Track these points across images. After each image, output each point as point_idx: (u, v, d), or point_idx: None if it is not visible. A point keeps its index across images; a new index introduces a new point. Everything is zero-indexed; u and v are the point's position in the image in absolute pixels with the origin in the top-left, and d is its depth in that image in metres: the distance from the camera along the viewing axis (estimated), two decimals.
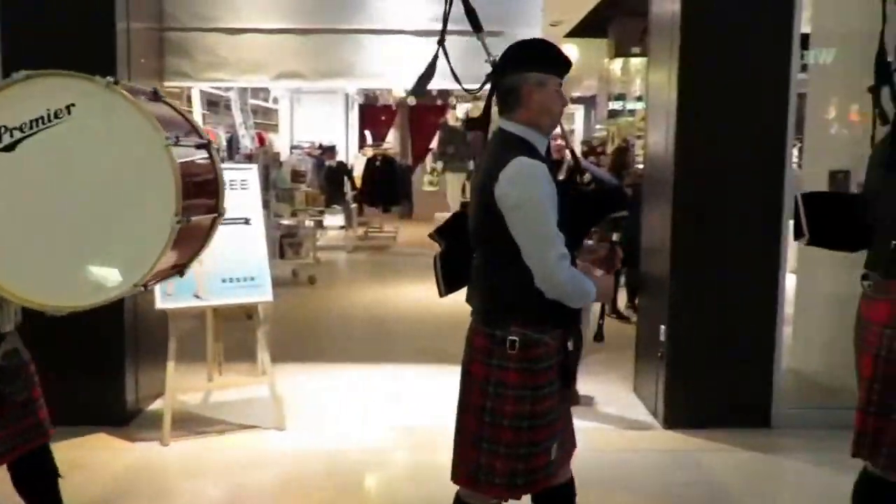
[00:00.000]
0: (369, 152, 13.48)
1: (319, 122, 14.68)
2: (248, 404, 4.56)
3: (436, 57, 2.61)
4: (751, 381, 4.30)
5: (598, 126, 12.51)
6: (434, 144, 13.08)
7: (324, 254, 10.75)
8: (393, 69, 5.13)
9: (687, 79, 4.15)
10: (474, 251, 2.34)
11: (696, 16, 4.13)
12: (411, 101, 11.72)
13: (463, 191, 10.42)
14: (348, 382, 5.19)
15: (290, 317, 6.94)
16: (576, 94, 17.28)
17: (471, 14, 2.55)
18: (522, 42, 2.31)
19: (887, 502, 2.50)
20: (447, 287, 2.51)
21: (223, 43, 5.08)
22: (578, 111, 19.54)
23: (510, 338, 2.20)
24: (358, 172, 13.06)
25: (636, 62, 11.35)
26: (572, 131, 4.64)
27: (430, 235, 2.52)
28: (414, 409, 4.69)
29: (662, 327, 4.32)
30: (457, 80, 2.56)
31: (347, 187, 12.02)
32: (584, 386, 4.67)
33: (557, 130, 4.57)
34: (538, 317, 2.21)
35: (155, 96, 2.57)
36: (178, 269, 2.65)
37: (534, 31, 4.97)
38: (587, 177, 2.41)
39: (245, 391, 4.71)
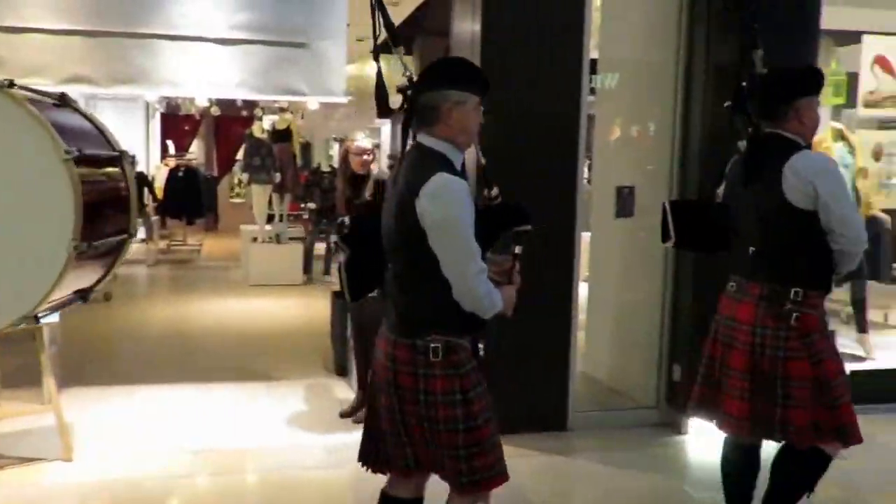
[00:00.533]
0: (172, 163, 12.89)
1: (118, 130, 13.77)
2: (31, 435, 4.19)
3: (379, 71, 2.63)
4: (548, 387, 4.50)
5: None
6: (240, 156, 12.72)
7: (121, 268, 10.12)
8: (192, 77, 4.93)
9: (485, 99, 4.27)
10: (387, 262, 2.37)
11: (495, 38, 4.26)
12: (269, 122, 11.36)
13: (269, 202, 10.21)
14: (146, 406, 4.91)
15: (82, 337, 6.47)
16: None
17: (390, 29, 2.58)
18: (444, 60, 2.39)
19: (800, 461, 2.91)
20: (353, 294, 2.51)
21: (2, 42, 4.67)
22: (385, 126, 19.72)
23: (432, 345, 2.26)
24: (160, 183, 12.44)
25: None
26: (378, 146, 4.67)
27: (335, 242, 2.56)
28: (218, 431, 4.51)
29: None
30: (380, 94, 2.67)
31: (148, 199, 11.40)
32: None
33: (366, 145, 4.62)
34: (455, 325, 2.28)
35: (62, 102, 2.24)
36: (82, 294, 2.35)
37: (339, 46, 4.97)
38: (494, 191, 2.48)
39: (27, 421, 4.31)
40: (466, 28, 4.49)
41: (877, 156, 5.58)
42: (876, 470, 4.17)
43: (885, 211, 5.59)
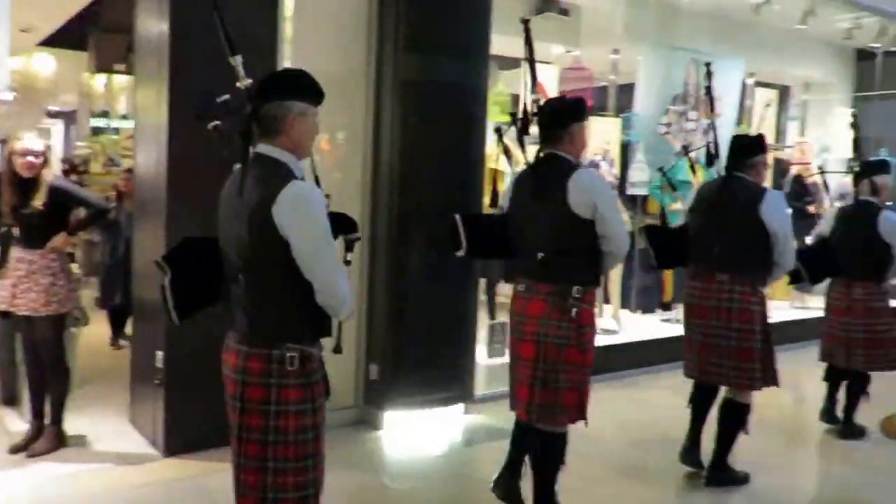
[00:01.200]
0: None
1: None
2: None
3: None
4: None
5: (79, 143, 11.64)
6: None
7: None
8: None
9: (176, 99, 4.11)
10: (232, 276, 2.34)
11: (183, 42, 4.10)
12: None
13: None
14: None
15: None
16: (53, 108, 15.85)
17: (228, 36, 2.55)
18: (286, 71, 2.49)
19: (546, 444, 3.29)
20: (180, 314, 2.41)
21: None
22: (57, 126, 17.96)
23: (289, 355, 2.28)
24: None
25: (121, 79, 10.87)
26: (49, 147, 4.24)
27: (156, 262, 2.39)
28: None
29: (159, 353, 4.22)
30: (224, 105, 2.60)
31: None
32: (72, 424, 4.32)
33: (35, 146, 4.17)
34: (308, 333, 2.32)
35: None
36: None
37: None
38: (327, 201, 2.44)
39: None
40: (152, 28, 4.29)
41: (513, 161, 6.32)
42: None
43: None
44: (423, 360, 4.84)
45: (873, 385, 5.01)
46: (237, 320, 2.37)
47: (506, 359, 5.45)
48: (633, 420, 5.15)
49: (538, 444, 3.34)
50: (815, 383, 5.20)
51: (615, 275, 6.68)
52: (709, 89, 4.54)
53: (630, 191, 6.88)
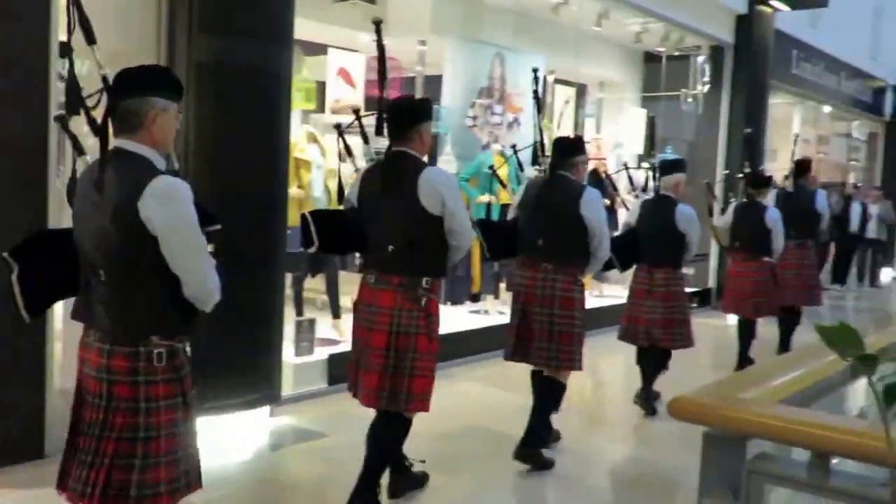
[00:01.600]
0: None
1: None
2: None
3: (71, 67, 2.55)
4: (19, 411, 3.95)
5: None
6: None
7: None
8: None
9: None
10: (90, 270, 2.31)
11: None
12: None
13: None
14: None
15: None
16: None
17: (85, 25, 2.52)
18: (146, 67, 2.41)
19: (392, 426, 3.44)
20: (31, 310, 2.38)
21: None
22: None
23: (156, 351, 2.28)
24: None
25: None
26: None
27: (2, 257, 2.34)
28: None
29: None
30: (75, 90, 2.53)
31: None
32: None
33: None
34: (175, 328, 2.33)
35: None
36: None
37: None
38: None
39: None
40: None
41: (343, 158, 6.14)
42: (355, 442, 4.56)
43: None
44: (224, 361, 4.53)
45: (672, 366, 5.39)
46: (96, 317, 2.32)
47: (314, 357, 5.37)
48: (445, 412, 5.12)
49: (381, 430, 3.47)
50: (613, 368, 5.44)
51: None
52: (536, 93, 4.72)
53: None
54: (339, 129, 4.06)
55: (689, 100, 9.69)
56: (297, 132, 5.68)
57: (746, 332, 6.45)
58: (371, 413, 3.51)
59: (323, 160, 5.78)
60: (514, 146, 5.66)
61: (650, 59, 10.45)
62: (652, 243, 5.09)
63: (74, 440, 2.37)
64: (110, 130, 2.34)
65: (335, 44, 6.34)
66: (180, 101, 2.42)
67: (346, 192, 3.73)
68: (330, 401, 5.20)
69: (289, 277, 5.52)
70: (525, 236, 4.19)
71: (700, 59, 9.91)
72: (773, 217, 6.19)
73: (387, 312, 3.32)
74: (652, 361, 5.36)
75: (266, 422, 4.74)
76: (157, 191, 2.20)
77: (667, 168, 5.49)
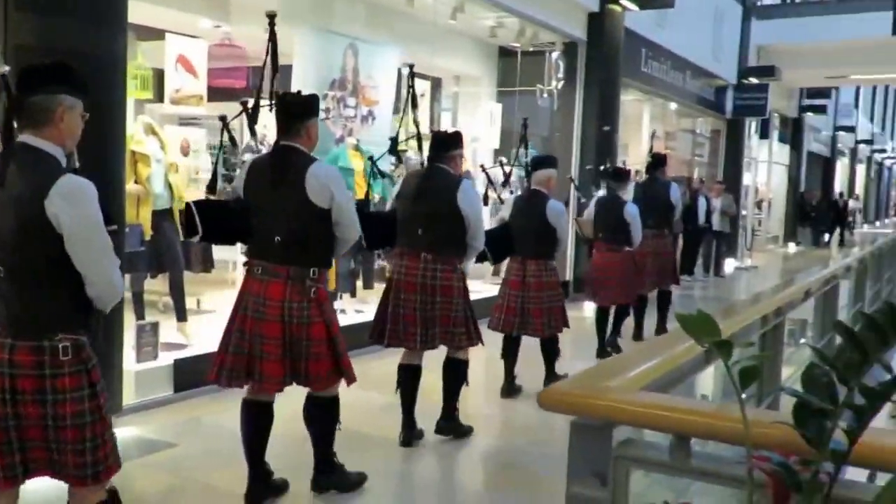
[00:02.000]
0: None
1: None
2: None
3: None
4: None
5: None
6: None
7: None
8: None
9: None
10: None
11: None
12: None
13: None
14: None
15: None
16: None
17: None
18: (55, 63, 2.40)
19: (317, 408, 3.64)
20: None
21: None
22: None
23: (61, 345, 2.33)
24: None
25: None
26: None
27: None
28: None
29: None
30: None
31: None
32: None
33: None
34: (80, 322, 2.39)
35: None
36: None
37: None
38: None
39: None
40: None
41: (184, 151, 5.83)
42: (206, 450, 4.33)
43: None
44: None
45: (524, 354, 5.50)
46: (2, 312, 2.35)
47: (158, 363, 5.05)
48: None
49: (311, 413, 3.65)
50: (474, 364, 5.43)
51: None
52: (412, 89, 5.10)
53: None
54: (224, 121, 4.24)
55: (545, 95, 9.86)
56: (134, 124, 5.34)
57: (604, 321, 6.76)
58: (223, 420, 3.49)
59: (163, 154, 5.44)
60: (371, 158, 5.85)
61: (506, 54, 10.58)
62: (525, 237, 5.29)
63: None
64: (14, 126, 2.37)
65: (174, 29, 5.99)
66: (85, 100, 2.44)
67: (233, 183, 3.91)
68: (177, 408, 4.94)
69: (127, 278, 5.18)
70: (405, 226, 4.25)
71: (554, 55, 10.12)
72: (632, 212, 6.62)
73: (277, 304, 3.41)
74: (513, 351, 5.60)
75: None
76: (65, 189, 2.25)
77: (538, 164, 5.75)
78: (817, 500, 0.81)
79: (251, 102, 4.30)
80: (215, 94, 6.28)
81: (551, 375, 5.55)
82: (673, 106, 14.56)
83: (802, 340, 5.65)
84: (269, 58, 4.23)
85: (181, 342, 5.56)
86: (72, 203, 2.25)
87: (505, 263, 5.63)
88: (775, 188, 21.43)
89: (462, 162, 4.71)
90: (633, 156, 12.60)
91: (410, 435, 4.44)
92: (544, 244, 5.50)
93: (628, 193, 6.98)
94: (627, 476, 1.72)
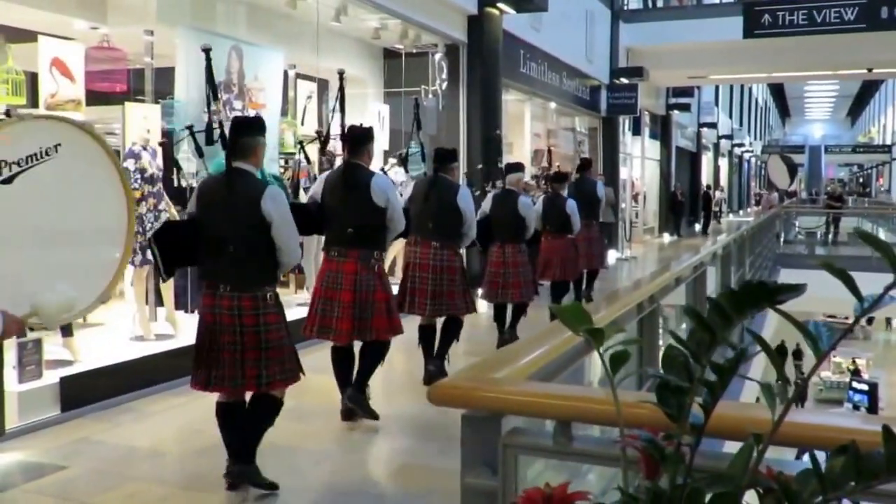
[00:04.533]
0: None
1: None
2: None
3: None
4: None
5: None
6: None
7: None
8: None
9: None
10: (219, 245, 3.66)
11: None
12: None
13: None
14: None
15: None
16: None
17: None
18: (253, 118, 4.09)
19: (374, 347, 4.79)
20: (167, 271, 3.88)
21: None
22: None
23: (269, 294, 3.71)
24: None
25: None
26: None
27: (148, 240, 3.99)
28: None
29: None
30: None
31: None
32: None
33: None
34: (275, 278, 3.86)
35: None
36: None
37: None
38: None
39: None
40: None
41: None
42: (96, 471, 4.14)
43: None
44: None
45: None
46: (227, 275, 3.64)
47: (42, 381, 4.79)
48: (194, 427, 4.79)
49: (370, 351, 4.78)
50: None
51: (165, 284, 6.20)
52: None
53: (184, 182, 6.44)
54: (301, 144, 5.54)
55: (430, 96, 9.95)
56: None
57: (502, 315, 7.28)
58: (113, 438, 3.60)
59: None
60: (190, 127, 6.00)
61: (391, 55, 10.61)
62: (502, 226, 6.95)
63: (214, 357, 3.61)
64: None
65: (47, 31, 5.69)
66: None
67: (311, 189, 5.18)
68: (65, 429, 4.70)
69: None
70: (417, 221, 5.53)
71: (437, 56, 10.22)
72: (572, 206, 8.20)
73: (351, 277, 4.62)
74: (502, 315, 7.17)
75: None
76: (272, 195, 3.64)
77: (510, 169, 7.45)
78: (682, 470, 0.86)
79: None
80: (94, 98, 5.99)
81: (511, 329, 7.11)
82: (553, 105, 14.98)
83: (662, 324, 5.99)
84: (338, 103, 6.07)
85: (67, 358, 5.28)
86: (276, 203, 3.63)
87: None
88: (648, 182, 22.38)
89: (458, 172, 6.34)
90: (517, 154, 12.88)
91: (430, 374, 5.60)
92: (516, 231, 7.00)
93: (565, 190, 8.56)
94: (516, 463, 1.78)
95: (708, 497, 0.83)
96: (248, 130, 3.81)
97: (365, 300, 4.62)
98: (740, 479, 0.84)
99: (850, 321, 0.87)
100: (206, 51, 5.98)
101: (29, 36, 5.58)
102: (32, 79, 5.57)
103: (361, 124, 5.27)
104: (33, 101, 5.62)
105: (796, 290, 0.83)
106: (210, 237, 3.71)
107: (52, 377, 4.91)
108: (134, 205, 3.50)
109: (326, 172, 5.30)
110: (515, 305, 7.18)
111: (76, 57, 5.60)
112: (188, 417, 5.00)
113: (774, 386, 0.86)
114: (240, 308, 3.63)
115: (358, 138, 4.88)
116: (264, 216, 3.64)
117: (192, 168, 6.29)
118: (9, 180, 2.71)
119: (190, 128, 5.88)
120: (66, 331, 5.39)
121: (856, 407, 15.76)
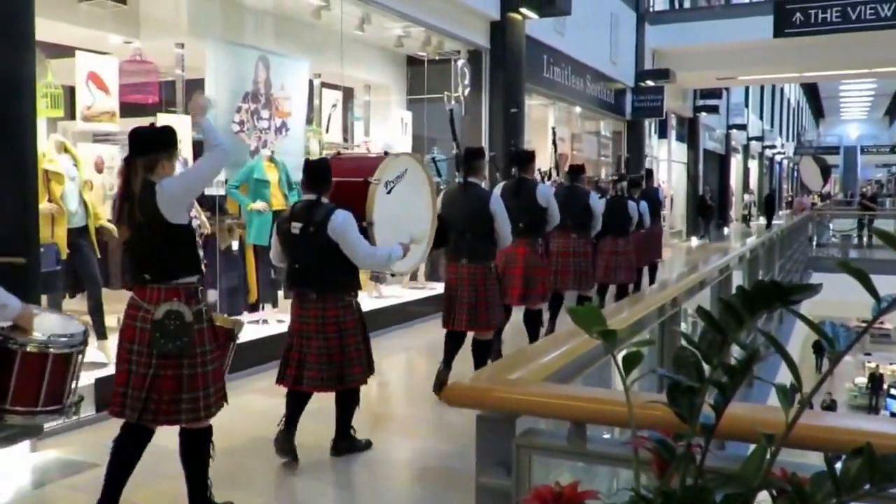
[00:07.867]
0: None
1: None
2: None
3: None
4: None
5: None
6: None
7: None
8: None
9: None
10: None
11: None
12: None
13: None
14: None
15: None
16: None
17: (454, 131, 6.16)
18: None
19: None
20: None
21: None
22: None
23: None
24: None
25: None
26: None
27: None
28: None
29: None
30: None
31: None
32: None
33: None
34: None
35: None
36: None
37: None
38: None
39: None
40: None
41: (98, 168, 5.75)
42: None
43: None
44: None
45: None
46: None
47: (76, 383, 4.96)
48: (225, 426, 4.95)
49: (496, 338, 6.01)
50: (395, 367, 5.58)
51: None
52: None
53: (207, 191, 6.63)
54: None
55: (453, 102, 10.07)
56: (46, 142, 5.25)
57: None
58: None
59: (77, 171, 5.37)
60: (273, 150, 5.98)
61: (413, 62, 10.75)
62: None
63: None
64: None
65: (84, 46, 5.91)
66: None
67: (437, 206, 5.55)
68: (99, 428, 4.85)
69: (45, 299, 5.09)
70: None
71: (460, 62, 10.34)
72: (643, 208, 9.27)
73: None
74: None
75: (27, 458, 4.37)
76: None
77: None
78: (692, 471, 0.84)
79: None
80: (127, 110, 6.21)
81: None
82: (577, 109, 15.00)
83: (674, 327, 6.03)
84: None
85: (102, 360, 5.49)
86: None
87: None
88: (676, 185, 22.27)
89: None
90: (541, 159, 12.94)
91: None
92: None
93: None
94: (530, 464, 1.79)
95: (719, 498, 0.82)
96: (476, 156, 5.80)
97: (531, 275, 6.33)
98: (752, 481, 0.82)
99: (889, 327, 0.82)
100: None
101: (67, 51, 5.80)
102: (70, 92, 5.80)
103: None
104: (71, 114, 5.84)
105: (809, 290, 0.81)
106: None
107: (87, 378, 5.09)
108: (435, 207, 5.19)
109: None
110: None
111: (111, 70, 5.81)
112: (218, 417, 5.16)
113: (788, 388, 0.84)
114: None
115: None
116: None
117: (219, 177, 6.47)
118: (390, 191, 4.68)
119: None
120: (101, 333, 5.60)
121: (893, 415, 15.39)
